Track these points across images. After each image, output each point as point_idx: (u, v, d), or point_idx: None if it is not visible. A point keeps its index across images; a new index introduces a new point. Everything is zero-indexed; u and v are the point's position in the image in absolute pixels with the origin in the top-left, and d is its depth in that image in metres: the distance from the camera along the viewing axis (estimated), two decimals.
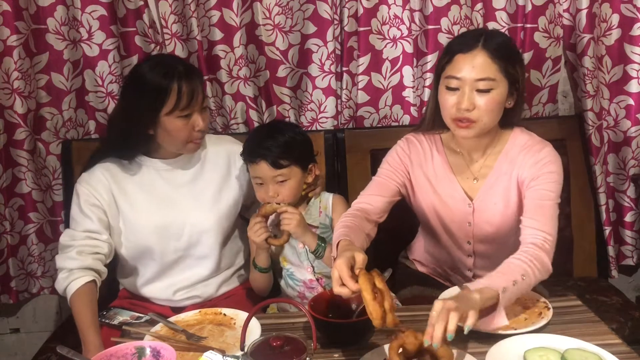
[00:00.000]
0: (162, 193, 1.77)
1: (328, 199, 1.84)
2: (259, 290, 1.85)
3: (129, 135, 1.70)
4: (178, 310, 1.77)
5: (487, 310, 1.37)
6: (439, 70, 1.63)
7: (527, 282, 1.44)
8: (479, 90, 1.54)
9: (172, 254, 1.78)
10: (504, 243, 1.70)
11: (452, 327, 1.22)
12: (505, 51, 1.57)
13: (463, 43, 1.58)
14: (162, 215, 1.76)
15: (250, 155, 1.74)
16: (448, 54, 1.59)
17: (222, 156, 1.85)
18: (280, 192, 1.72)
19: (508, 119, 1.66)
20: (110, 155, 1.76)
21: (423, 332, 1.25)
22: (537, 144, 1.66)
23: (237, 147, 1.85)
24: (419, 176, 1.74)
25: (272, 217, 1.77)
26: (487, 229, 1.70)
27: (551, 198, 1.60)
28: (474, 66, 1.53)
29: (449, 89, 1.57)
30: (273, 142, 1.71)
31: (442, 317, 1.23)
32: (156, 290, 1.82)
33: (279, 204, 1.72)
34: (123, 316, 1.71)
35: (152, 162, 1.77)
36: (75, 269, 1.63)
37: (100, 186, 1.73)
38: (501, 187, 1.67)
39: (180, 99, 1.63)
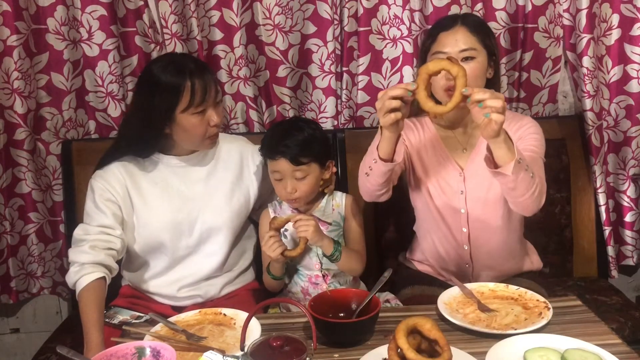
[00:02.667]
0: (175, 189, 1.79)
1: (341, 197, 1.87)
2: (271, 289, 1.87)
3: (145, 135, 1.72)
4: (179, 309, 1.77)
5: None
6: (424, 51, 1.81)
7: (534, 184, 1.53)
8: (464, 60, 1.70)
9: (183, 250, 1.79)
10: (497, 213, 1.77)
11: (491, 102, 1.37)
12: (481, 26, 1.78)
13: (443, 23, 1.78)
14: (175, 212, 1.77)
15: (269, 152, 1.74)
16: (431, 36, 1.78)
17: (235, 155, 1.87)
18: (299, 187, 1.73)
19: None
20: (126, 153, 1.77)
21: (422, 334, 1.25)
22: (517, 115, 1.86)
23: (250, 148, 1.88)
24: (414, 154, 1.84)
25: (291, 230, 1.77)
26: (478, 194, 1.76)
27: (537, 152, 1.71)
28: (457, 39, 1.72)
29: None
30: (292, 140, 1.72)
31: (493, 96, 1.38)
32: (161, 285, 1.82)
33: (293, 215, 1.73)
34: (123, 315, 1.71)
35: (167, 158, 1.79)
36: (87, 264, 1.63)
37: (115, 181, 1.74)
38: (482, 156, 1.71)
39: (194, 96, 1.64)
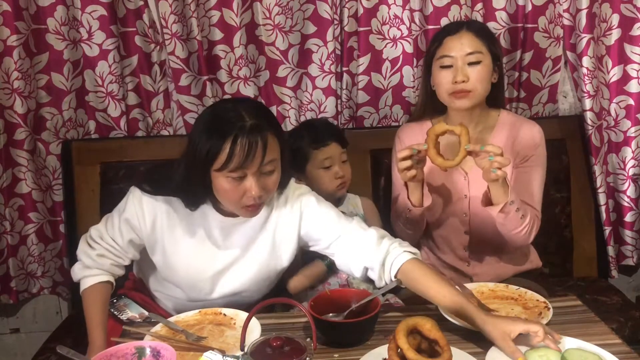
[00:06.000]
0: (209, 248, 1.60)
1: (355, 199, 1.94)
2: (305, 288, 1.82)
3: (188, 179, 1.50)
4: None
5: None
6: (429, 56, 1.81)
7: (523, 225, 1.70)
8: (470, 64, 1.72)
9: (200, 302, 1.64)
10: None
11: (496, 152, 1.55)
12: (486, 32, 1.80)
13: (449, 28, 1.80)
14: (201, 270, 1.61)
15: (322, 140, 1.84)
16: (437, 40, 1.79)
17: (286, 220, 1.63)
18: (346, 172, 1.86)
19: (494, 96, 1.83)
20: (176, 194, 1.56)
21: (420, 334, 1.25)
22: (525, 122, 1.85)
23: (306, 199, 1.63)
24: None
25: None
26: (481, 197, 1.76)
27: (537, 179, 1.81)
28: (462, 43, 1.73)
29: (442, 67, 1.75)
30: (336, 127, 2.02)
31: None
32: (172, 300, 1.73)
33: None
34: (132, 312, 1.68)
35: (215, 215, 1.58)
36: (92, 267, 1.59)
37: (149, 217, 1.57)
38: None
39: (231, 159, 1.39)
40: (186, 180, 1.50)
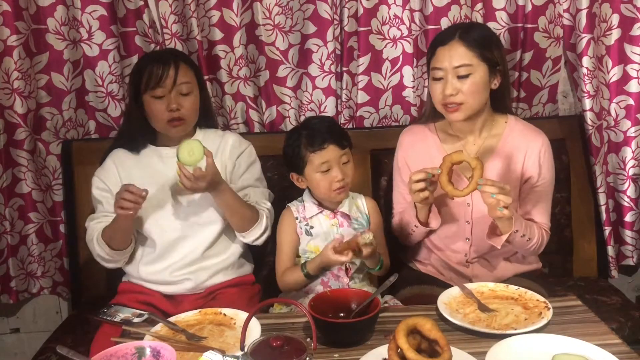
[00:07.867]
0: (163, 177, 1.84)
1: (361, 199, 1.92)
2: (288, 290, 1.85)
3: (130, 121, 1.88)
4: (175, 303, 1.81)
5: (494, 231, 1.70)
6: (428, 65, 1.80)
7: (530, 245, 1.73)
8: (460, 77, 1.69)
9: (172, 233, 1.83)
10: None
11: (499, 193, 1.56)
12: (480, 40, 1.73)
13: (442, 37, 1.77)
14: (161, 199, 1.83)
15: (319, 143, 1.76)
16: (431, 49, 1.78)
17: (226, 148, 1.92)
18: (347, 173, 1.79)
19: (498, 101, 1.81)
20: (119, 146, 1.90)
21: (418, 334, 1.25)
22: (533, 135, 1.82)
23: (234, 140, 1.94)
24: (418, 167, 1.75)
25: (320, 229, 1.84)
26: (484, 207, 1.72)
27: (547, 196, 1.83)
28: (451, 55, 1.70)
29: (435, 79, 1.74)
30: (336, 127, 1.86)
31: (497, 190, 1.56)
32: (154, 272, 1.86)
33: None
34: (124, 313, 1.71)
35: (157, 149, 1.88)
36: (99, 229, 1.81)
37: (109, 175, 1.87)
38: (498, 168, 1.77)
39: (150, 79, 1.77)
40: (128, 122, 1.91)
